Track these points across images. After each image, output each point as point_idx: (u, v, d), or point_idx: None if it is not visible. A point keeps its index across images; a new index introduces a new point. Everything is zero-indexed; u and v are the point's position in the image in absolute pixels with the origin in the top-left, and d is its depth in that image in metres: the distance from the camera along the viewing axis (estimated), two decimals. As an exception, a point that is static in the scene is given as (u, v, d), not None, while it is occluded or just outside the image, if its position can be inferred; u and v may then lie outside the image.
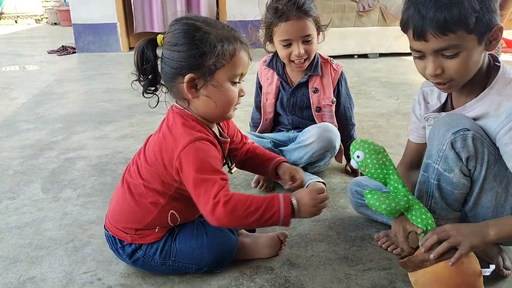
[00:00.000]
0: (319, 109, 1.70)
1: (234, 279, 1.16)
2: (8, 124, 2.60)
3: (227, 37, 1.02)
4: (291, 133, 1.76)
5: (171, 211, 1.11)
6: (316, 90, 1.69)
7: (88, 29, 5.43)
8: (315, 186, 1.57)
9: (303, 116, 1.74)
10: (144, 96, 1.11)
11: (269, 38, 1.64)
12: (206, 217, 0.99)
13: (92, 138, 2.31)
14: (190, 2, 5.79)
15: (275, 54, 1.72)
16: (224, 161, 1.16)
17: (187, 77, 1.00)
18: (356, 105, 2.86)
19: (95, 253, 1.28)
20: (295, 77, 1.73)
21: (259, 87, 1.82)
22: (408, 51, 1.09)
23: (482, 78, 1.08)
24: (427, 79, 1.10)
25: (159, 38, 1.06)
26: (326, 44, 5.05)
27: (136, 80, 1.09)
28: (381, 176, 1.08)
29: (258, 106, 1.84)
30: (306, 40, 1.59)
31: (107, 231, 1.17)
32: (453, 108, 1.16)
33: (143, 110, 2.79)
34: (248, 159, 1.30)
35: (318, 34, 1.65)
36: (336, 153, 1.67)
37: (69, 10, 5.71)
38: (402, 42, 4.37)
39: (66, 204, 1.59)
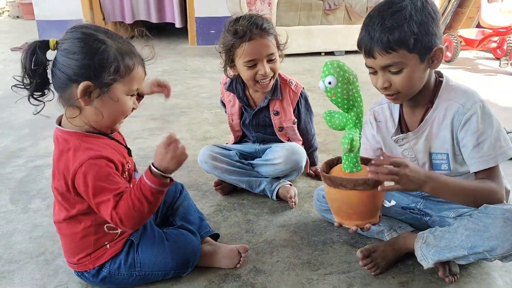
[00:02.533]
0: (281, 128, 1.76)
1: (202, 288, 1.22)
2: (-28, 130, 2.55)
3: (126, 52, 1.03)
4: (257, 146, 1.82)
5: (106, 224, 1.13)
6: (277, 113, 1.73)
7: (53, 26, 5.30)
8: (285, 189, 1.67)
9: (267, 133, 1.79)
10: (31, 103, 1.06)
11: (230, 61, 1.64)
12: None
13: (60, 144, 2.30)
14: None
15: (235, 77, 1.72)
16: (128, 152, 1.19)
17: (82, 84, 1.00)
18: (322, 106, 2.96)
19: (66, 265, 1.29)
20: (256, 98, 1.75)
21: (222, 104, 1.88)
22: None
23: (430, 93, 1.22)
24: (379, 91, 1.21)
25: (52, 42, 1.03)
26: (294, 42, 5.10)
27: (17, 85, 1.04)
28: (345, 107, 1.09)
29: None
30: (270, 59, 1.60)
31: (71, 269, 1.22)
32: (406, 124, 1.29)
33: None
34: None
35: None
36: (302, 170, 1.75)
37: (31, 3, 5.57)
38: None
39: (35, 215, 1.60)
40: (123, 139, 1.23)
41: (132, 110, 1.12)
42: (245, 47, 1.56)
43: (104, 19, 5.55)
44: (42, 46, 1.03)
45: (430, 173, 1.15)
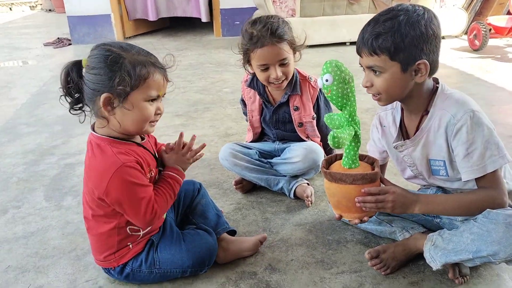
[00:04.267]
0: (301, 124, 1.81)
1: (220, 285, 1.30)
2: (9, 128, 2.71)
3: (141, 62, 1.11)
4: (277, 144, 1.88)
5: (128, 226, 1.23)
6: (296, 108, 1.78)
7: (83, 21, 5.48)
8: (302, 188, 1.72)
9: (286, 130, 1.84)
10: (71, 113, 1.19)
11: (247, 61, 1.71)
12: (141, 226, 1.21)
13: (90, 141, 2.42)
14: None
15: (255, 74, 1.78)
16: (155, 160, 1.28)
17: (102, 97, 1.10)
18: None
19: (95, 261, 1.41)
20: (276, 95, 1.81)
21: (242, 103, 1.94)
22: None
23: (425, 101, 1.25)
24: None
25: (84, 61, 1.14)
26: (318, 33, 5.08)
27: (63, 95, 1.17)
28: (339, 104, 1.20)
29: (244, 113, 1.96)
30: (282, 63, 1.65)
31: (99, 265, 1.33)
32: (406, 129, 1.34)
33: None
34: None
35: (294, 54, 1.70)
36: (320, 169, 1.79)
37: (63, -2, 5.76)
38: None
39: (67, 213, 1.72)
40: (155, 146, 1.33)
41: (158, 115, 1.20)
42: (257, 52, 1.63)
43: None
44: (74, 66, 1.15)
45: (418, 196, 1.23)
